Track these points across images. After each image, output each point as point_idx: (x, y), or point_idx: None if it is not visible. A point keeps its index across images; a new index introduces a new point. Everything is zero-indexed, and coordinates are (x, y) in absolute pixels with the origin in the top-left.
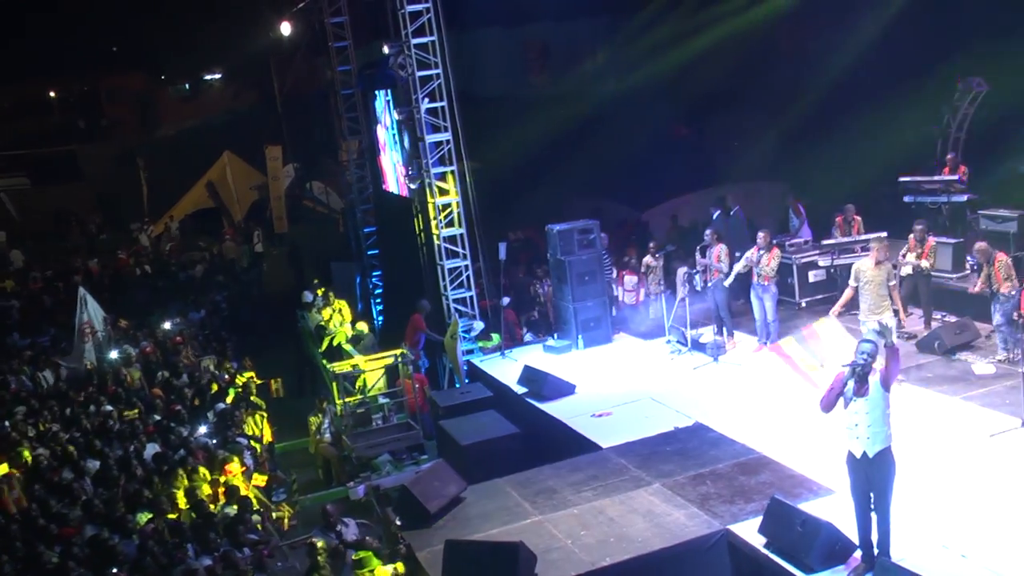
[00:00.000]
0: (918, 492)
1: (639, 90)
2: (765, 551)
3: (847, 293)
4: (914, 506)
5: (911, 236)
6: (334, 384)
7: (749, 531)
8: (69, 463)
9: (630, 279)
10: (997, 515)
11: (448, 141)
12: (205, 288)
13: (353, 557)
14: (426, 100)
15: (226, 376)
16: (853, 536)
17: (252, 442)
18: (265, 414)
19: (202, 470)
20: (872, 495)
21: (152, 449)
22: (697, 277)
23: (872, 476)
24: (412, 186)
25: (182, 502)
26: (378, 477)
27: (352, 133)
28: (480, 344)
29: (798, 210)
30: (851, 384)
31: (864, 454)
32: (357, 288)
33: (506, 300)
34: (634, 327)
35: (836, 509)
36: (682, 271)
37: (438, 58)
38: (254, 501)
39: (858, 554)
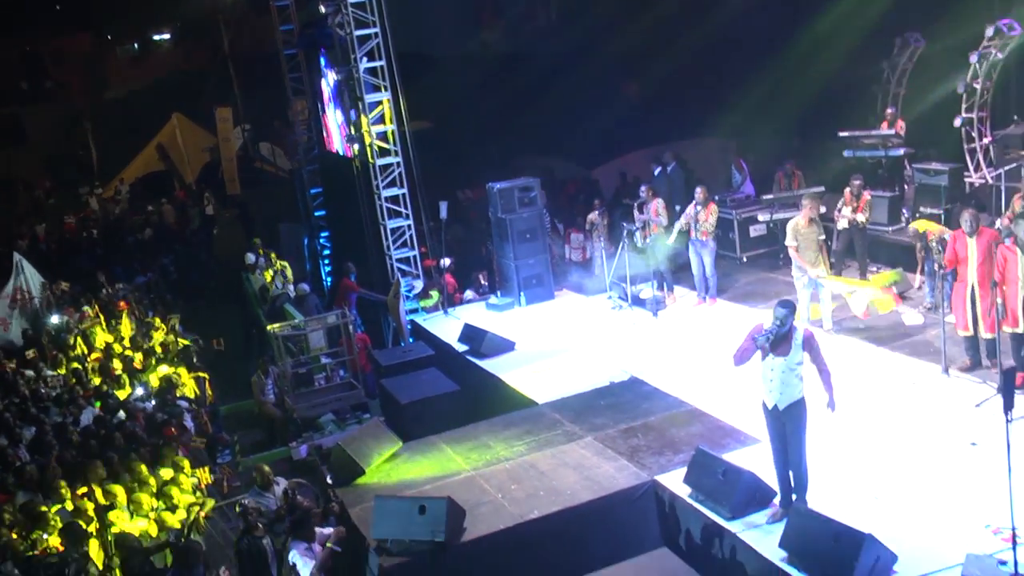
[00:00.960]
0: (838, 439)
1: (589, 47)
2: (689, 500)
3: (792, 254)
4: (832, 452)
5: (847, 190)
6: (275, 344)
7: (675, 481)
8: (5, 430)
9: (576, 237)
10: (910, 459)
11: (388, 100)
12: (152, 252)
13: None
14: (365, 59)
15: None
16: (774, 483)
17: (193, 404)
18: (207, 376)
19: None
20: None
21: (90, 414)
22: (637, 234)
23: (784, 426)
24: (353, 147)
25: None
26: (320, 437)
27: (296, 93)
28: (422, 303)
29: (740, 166)
30: (767, 344)
31: (775, 406)
32: (305, 250)
33: (447, 261)
34: (580, 284)
35: (761, 458)
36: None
37: (376, 16)
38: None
39: (777, 500)
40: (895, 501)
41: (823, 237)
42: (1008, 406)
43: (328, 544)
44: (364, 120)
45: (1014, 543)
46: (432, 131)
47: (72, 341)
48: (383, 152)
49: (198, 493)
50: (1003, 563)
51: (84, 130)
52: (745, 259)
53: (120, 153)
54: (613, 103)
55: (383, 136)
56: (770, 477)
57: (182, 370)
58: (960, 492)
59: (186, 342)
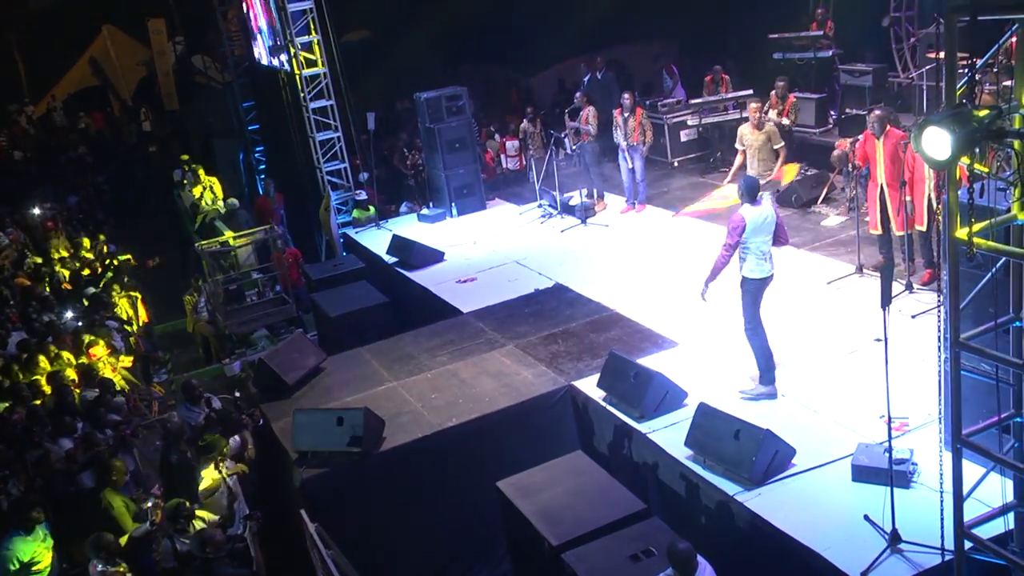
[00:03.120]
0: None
1: None
2: (603, 403)
3: (738, 158)
4: (744, 352)
5: (772, 93)
6: (204, 262)
7: (590, 386)
8: None
9: (512, 144)
10: (818, 356)
11: (312, 10)
12: (85, 170)
13: (200, 443)
14: None
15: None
16: (685, 383)
17: (125, 325)
18: (139, 295)
19: (66, 355)
20: None
21: (17, 337)
22: (567, 141)
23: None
24: (280, 57)
25: (45, 388)
26: (254, 352)
27: (226, 2)
28: (358, 214)
29: (671, 71)
30: None
31: None
32: (241, 164)
33: (364, 176)
34: (513, 192)
35: (676, 361)
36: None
37: None
38: (119, 382)
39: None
40: (801, 396)
41: (779, 145)
42: (884, 302)
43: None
44: (288, 31)
45: (889, 431)
46: (372, 40)
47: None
48: (309, 63)
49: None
50: (888, 450)
51: (8, 42)
52: (676, 164)
53: (49, 68)
54: (553, 8)
55: (308, 46)
56: (682, 379)
57: (115, 287)
58: (860, 386)
59: (116, 261)
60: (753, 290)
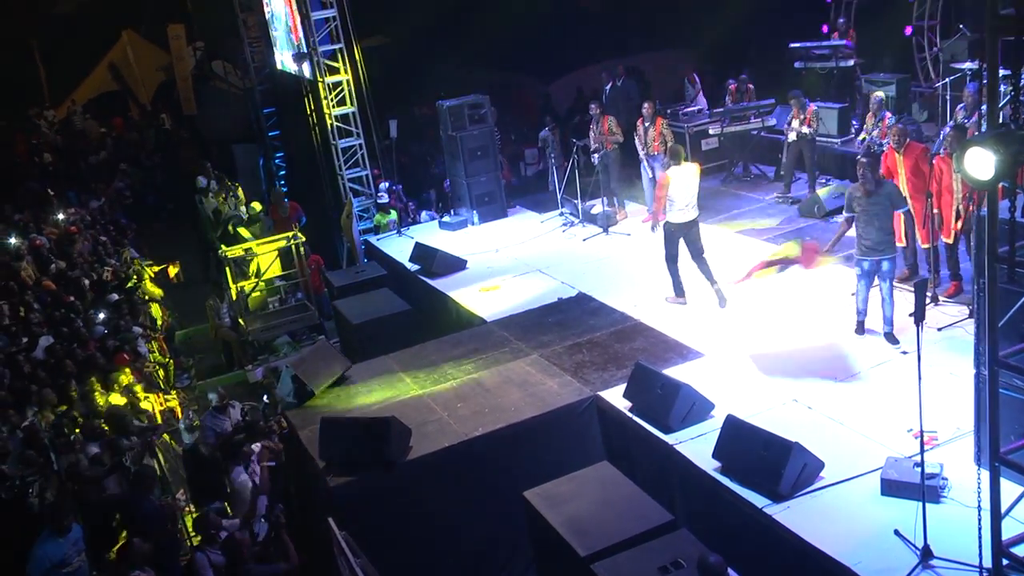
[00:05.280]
0: (772, 351)
1: None
2: (629, 415)
3: (842, 227)
4: (768, 363)
5: (792, 103)
6: (227, 268)
7: (616, 396)
8: None
9: (531, 152)
10: (844, 368)
11: (335, 18)
12: (106, 175)
13: None
14: None
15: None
16: (712, 391)
17: (147, 330)
18: (157, 303)
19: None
20: None
21: (45, 342)
22: (595, 157)
23: None
24: (302, 64)
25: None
26: (276, 359)
27: (246, 9)
28: (377, 220)
29: (693, 79)
30: None
31: None
32: (261, 170)
33: (386, 184)
34: (533, 200)
35: (702, 372)
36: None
37: None
38: (140, 393)
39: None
40: (828, 409)
41: (905, 208)
42: (918, 317)
43: (262, 463)
44: (311, 38)
45: (921, 445)
46: (390, 46)
47: (28, 270)
48: (331, 70)
49: (144, 418)
50: (918, 465)
51: (29, 47)
52: None
53: (70, 72)
54: (571, 15)
55: (331, 54)
56: (709, 390)
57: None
58: (887, 398)
59: (139, 266)
60: (673, 231)
